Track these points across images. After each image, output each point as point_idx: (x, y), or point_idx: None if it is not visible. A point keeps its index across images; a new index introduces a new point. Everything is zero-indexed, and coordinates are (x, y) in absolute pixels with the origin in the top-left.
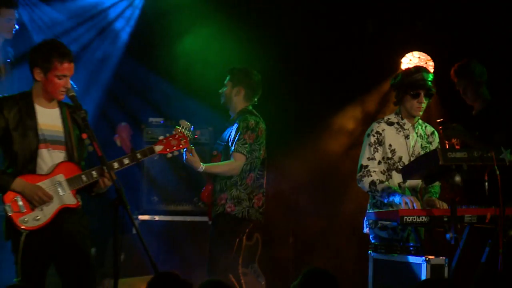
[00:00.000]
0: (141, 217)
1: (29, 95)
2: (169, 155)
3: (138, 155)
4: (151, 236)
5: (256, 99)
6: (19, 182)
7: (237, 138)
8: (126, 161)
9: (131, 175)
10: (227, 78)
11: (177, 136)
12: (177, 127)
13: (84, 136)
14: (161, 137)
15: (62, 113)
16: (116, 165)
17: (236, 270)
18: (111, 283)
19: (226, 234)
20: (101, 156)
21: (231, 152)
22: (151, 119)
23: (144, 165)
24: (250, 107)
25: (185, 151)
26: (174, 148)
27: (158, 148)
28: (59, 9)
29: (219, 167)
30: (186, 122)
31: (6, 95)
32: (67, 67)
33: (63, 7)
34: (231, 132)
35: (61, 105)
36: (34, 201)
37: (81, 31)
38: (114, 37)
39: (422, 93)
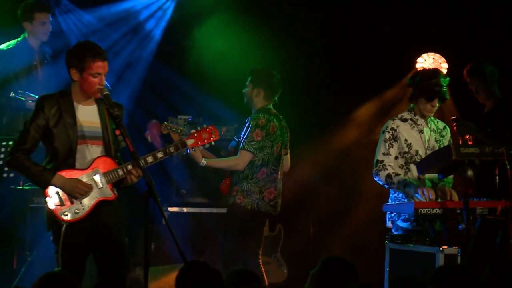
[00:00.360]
0: (170, 209)
1: (68, 93)
2: (201, 147)
3: (171, 149)
4: (180, 227)
5: (276, 98)
6: (59, 178)
7: (246, 136)
8: (159, 154)
9: (161, 169)
10: (248, 79)
11: (207, 129)
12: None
13: (118, 132)
14: (192, 131)
15: (99, 109)
16: (150, 159)
17: (256, 260)
18: (142, 271)
19: (236, 224)
20: (133, 151)
21: (239, 148)
22: (180, 117)
23: (173, 159)
24: (270, 106)
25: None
26: (205, 141)
27: (189, 141)
28: (95, 14)
29: (222, 162)
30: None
31: (47, 94)
32: (100, 66)
33: (98, 13)
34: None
35: (98, 101)
36: (75, 194)
37: (114, 35)
38: (145, 39)
39: (436, 99)
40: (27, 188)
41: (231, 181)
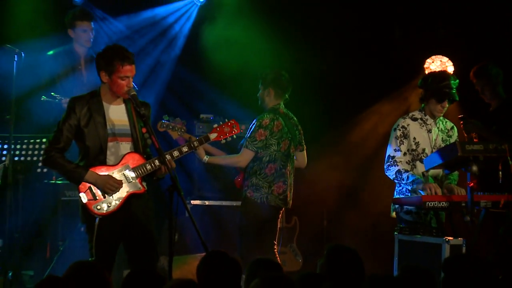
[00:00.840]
0: (193, 202)
1: (98, 94)
2: (223, 141)
3: (195, 143)
4: (202, 219)
5: (287, 96)
6: (91, 174)
7: (249, 135)
8: (184, 149)
9: (184, 165)
10: (260, 82)
11: (229, 124)
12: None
13: (144, 130)
14: (215, 125)
15: (127, 108)
16: (176, 153)
17: (271, 250)
18: (167, 260)
19: (249, 216)
20: (158, 148)
21: (241, 146)
22: (202, 116)
23: (196, 156)
24: (281, 105)
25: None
26: (227, 134)
27: (212, 135)
28: (125, 22)
29: (223, 159)
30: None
31: (77, 95)
32: (128, 69)
33: (128, 20)
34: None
35: (126, 101)
36: (107, 189)
37: (142, 41)
38: (170, 44)
39: (447, 100)
40: (59, 182)
41: (243, 176)
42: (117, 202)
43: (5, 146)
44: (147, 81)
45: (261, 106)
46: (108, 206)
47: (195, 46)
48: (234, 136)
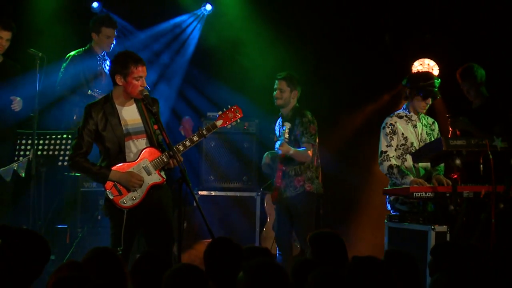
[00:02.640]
0: (200, 193)
1: (111, 98)
2: (229, 126)
3: (204, 131)
4: (209, 208)
5: None
6: (115, 174)
7: (306, 131)
8: (195, 138)
9: (193, 158)
10: (285, 83)
11: (232, 109)
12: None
13: (155, 127)
14: (219, 112)
15: (138, 107)
16: (188, 143)
17: None
18: (176, 246)
19: (312, 210)
20: (169, 143)
21: (302, 143)
22: (209, 113)
23: (203, 150)
24: (298, 104)
25: (278, 144)
26: (232, 120)
27: (219, 122)
28: (147, 32)
29: (299, 153)
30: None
31: (93, 101)
32: (141, 70)
33: (150, 30)
34: (293, 126)
35: (136, 101)
36: (130, 186)
37: (160, 46)
38: (184, 47)
39: (430, 97)
40: (78, 174)
41: (285, 173)
42: (141, 195)
43: (29, 142)
44: (160, 84)
45: (278, 106)
46: (133, 200)
47: (204, 50)
48: (238, 120)
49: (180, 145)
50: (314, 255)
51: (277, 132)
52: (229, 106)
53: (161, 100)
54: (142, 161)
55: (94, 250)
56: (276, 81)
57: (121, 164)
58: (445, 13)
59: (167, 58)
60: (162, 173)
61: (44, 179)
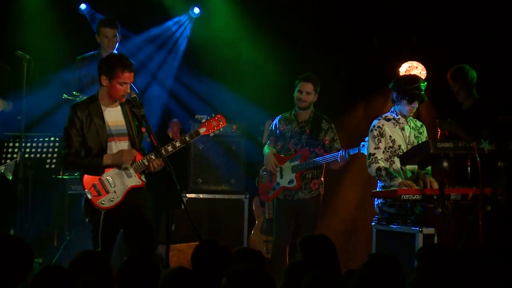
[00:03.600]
0: (188, 195)
1: (96, 98)
2: (211, 134)
3: (187, 138)
4: (196, 211)
5: None
6: (107, 157)
7: (336, 138)
8: (177, 144)
9: (181, 161)
10: (312, 86)
11: (216, 118)
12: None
13: (143, 129)
14: (203, 120)
15: (123, 110)
16: (170, 148)
17: None
18: (164, 248)
19: (320, 212)
20: (156, 145)
21: (335, 148)
22: (197, 116)
23: (191, 153)
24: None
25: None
26: (215, 128)
27: (202, 130)
28: (142, 35)
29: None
30: None
31: (78, 101)
32: (127, 76)
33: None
34: (319, 131)
35: (121, 103)
36: (125, 162)
37: (153, 48)
38: (174, 50)
39: (417, 101)
40: (66, 177)
41: (303, 176)
42: (119, 196)
43: (17, 144)
44: (150, 86)
45: (304, 109)
46: (111, 201)
47: (193, 52)
48: (221, 129)
49: (162, 149)
50: (305, 258)
51: (283, 133)
52: (213, 115)
53: (151, 102)
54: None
55: (82, 253)
56: (301, 83)
57: None
58: (432, 16)
59: (156, 60)
60: (143, 177)
61: (31, 182)
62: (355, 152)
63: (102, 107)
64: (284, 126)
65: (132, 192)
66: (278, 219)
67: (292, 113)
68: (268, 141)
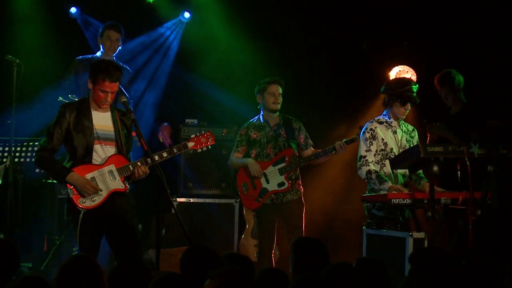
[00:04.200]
0: (179, 199)
1: (87, 101)
2: (199, 150)
3: (175, 150)
4: (187, 215)
5: None
6: (72, 176)
7: (308, 135)
8: (164, 154)
9: (171, 166)
10: (281, 89)
11: (205, 135)
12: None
13: (134, 134)
14: (193, 136)
15: (112, 116)
16: (156, 157)
17: None
18: (154, 253)
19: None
20: (147, 150)
21: (311, 145)
22: (187, 120)
23: (182, 157)
24: None
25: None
26: (203, 144)
27: (190, 144)
28: (134, 41)
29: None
30: None
31: (68, 101)
32: (108, 85)
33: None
34: (292, 130)
35: (112, 109)
36: (84, 193)
37: (145, 53)
38: (166, 55)
39: (409, 103)
40: (55, 182)
41: (289, 177)
42: (101, 198)
43: (6, 149)
44: (147, 89)
45: (277, 110)
46: (93, 201)
47: (184, 57)
48: (209, 147)
49: (147, 158)
50: (296, 260)
51: (257, 140)
52: (203, 131)
53: (142, 106)
54: (108, 165)
55: (72, 258)
56: (271, 85)
57: (86, 164)
58: (423, 20)
59: (148, 64)
60: (126, 182)
61: (21, 186)
62: (353, 142)
63: (92, 110)
64: (257, 133)
65: (114, 195)
66: (264, 224)
67: (261, 119)
68: (236, 151)
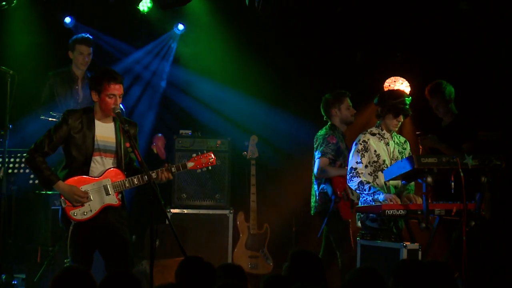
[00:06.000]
0: (172, 211)
1: (92, 111)
2: (198, 170)
3: (173, 169)
4: (181, 226)
5: None
6: (59, 184)
7: None
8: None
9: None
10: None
11: (206, 155)
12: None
13: (127, 145)
14: (194, 155)
15: (115, 127)
16: (154, 175)
17: None
18: (148, 264)
19: None
20: (141, 161)
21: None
22: (181, 131)
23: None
24: None
25: None
26: (204, 165)
27: (190, 164)
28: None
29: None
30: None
31: (73, 109)
32: (114, 87)
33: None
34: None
35: (115, 120)
36: (72, 201)
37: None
38: (161, 65)
39: (402, 115)
40: (49, 193)
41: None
42: (93, 211)
43: (0, 160)
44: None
45: (352, 121)
46: (84, 214)
47: (178, 68)
48: (210, 167)
49: (145, 174)
50: (292, 270)
51: (341, 150)
52: (205, 151)
53: (136, 118)
54: (104, 179)
55: (66, 269)
56: (348, 99)
57: (82, 175)
58: (416, 32)
59: (142, 78)
60: (120, 197)
61: (14, 198)
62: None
63: (96, 121)
64: (341, 142)
65: (107, 210)
66: (348, 236)
67: (336, 130)
68: (327, 158)
